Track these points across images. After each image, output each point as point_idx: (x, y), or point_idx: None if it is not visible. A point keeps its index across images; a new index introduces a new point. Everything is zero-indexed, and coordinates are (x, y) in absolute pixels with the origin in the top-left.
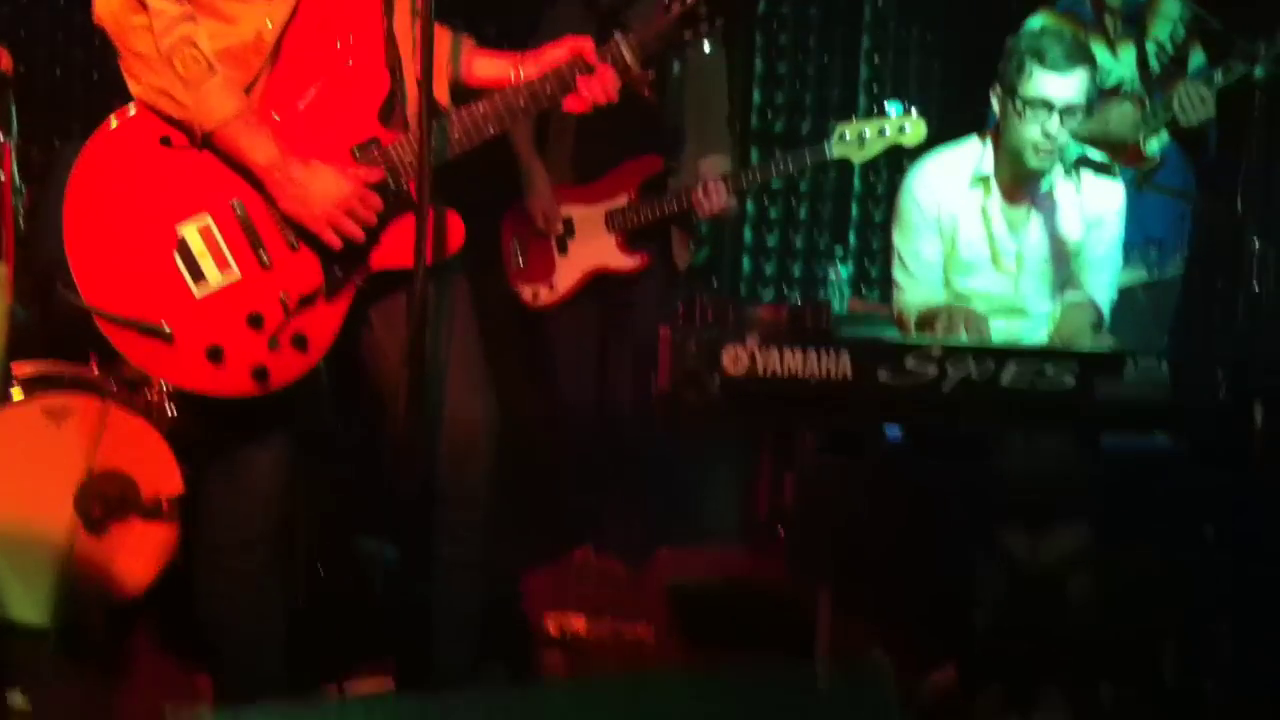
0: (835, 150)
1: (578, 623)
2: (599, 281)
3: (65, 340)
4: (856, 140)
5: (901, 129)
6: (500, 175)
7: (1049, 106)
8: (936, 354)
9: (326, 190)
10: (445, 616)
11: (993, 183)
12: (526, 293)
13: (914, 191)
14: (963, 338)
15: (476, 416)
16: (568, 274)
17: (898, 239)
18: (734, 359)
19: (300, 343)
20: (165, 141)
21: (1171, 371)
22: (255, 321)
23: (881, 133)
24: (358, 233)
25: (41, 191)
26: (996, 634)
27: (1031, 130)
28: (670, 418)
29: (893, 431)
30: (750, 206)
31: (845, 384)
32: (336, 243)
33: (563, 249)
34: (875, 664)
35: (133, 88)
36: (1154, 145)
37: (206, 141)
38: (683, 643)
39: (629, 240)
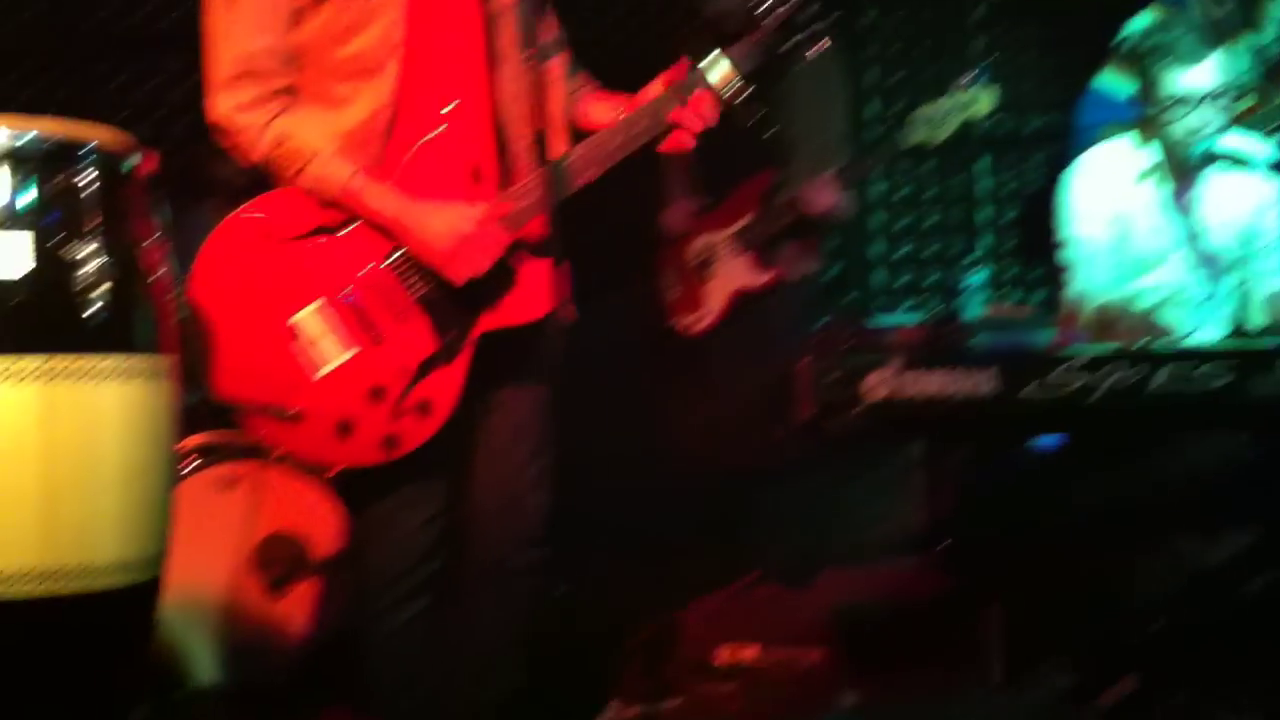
0: (915, 133)
1: (749, 652)
2: (741, 302)
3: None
4: (931, 121)
5: (973, 101)
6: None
7: (1192, 99)
8: (1082, 364)
9: (452, 223)
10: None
11: (1157, 176)
12: (682, 322)
13: (1080, 183)
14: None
15: (529, 500)
16: (714, 299)
17: (1066, 229)
18: (875, 385)
19: (424, 408)
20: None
21: None
22: (377, 394)
23: (954, 109)
24: (481, 268)
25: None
26: (1176, 641)
27: (1180, 125)
28: (813, 445)
29: (1049, 439)
30: (878, 218)
31: (989, 401)
32: (460, 281)
33: (706, 276)
34: (1049, 685)
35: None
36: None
37: (334, 204)
38: (853, 667)
39: (761, 257)
